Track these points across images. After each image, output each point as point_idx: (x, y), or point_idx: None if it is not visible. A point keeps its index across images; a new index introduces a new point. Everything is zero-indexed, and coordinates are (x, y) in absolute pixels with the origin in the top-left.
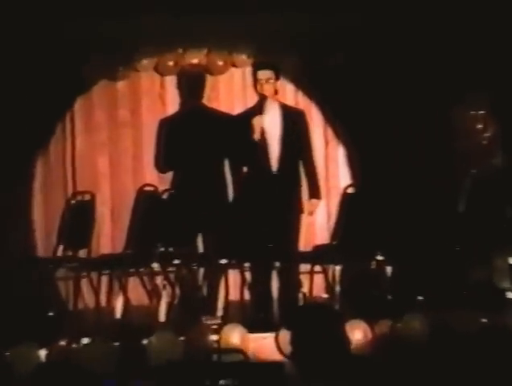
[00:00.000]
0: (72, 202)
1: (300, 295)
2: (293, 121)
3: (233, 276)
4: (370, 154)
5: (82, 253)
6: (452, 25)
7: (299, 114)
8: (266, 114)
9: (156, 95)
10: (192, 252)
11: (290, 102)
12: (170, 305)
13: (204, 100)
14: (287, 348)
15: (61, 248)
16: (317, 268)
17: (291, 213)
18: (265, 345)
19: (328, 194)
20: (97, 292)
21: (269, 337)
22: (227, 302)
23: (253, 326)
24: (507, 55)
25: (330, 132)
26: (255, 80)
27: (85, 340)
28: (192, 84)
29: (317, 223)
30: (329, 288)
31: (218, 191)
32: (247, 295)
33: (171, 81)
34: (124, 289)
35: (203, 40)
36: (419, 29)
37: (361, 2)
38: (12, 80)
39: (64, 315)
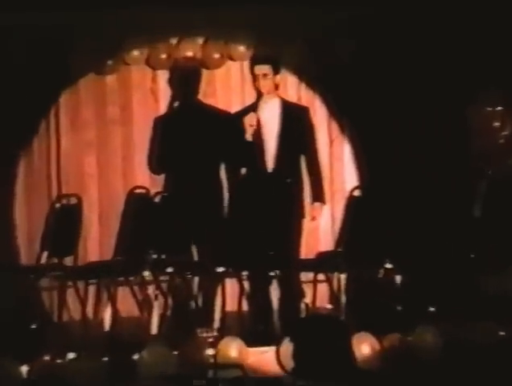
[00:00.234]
0: (57, 205)
1: (303, 306)
2: (295, 118)
3: (231, 285)
4: (379, 154)
5: (68, 261)
6: (466, 19)
7: (301, 111)
8: (263, 112)
9: (148, 90)
10: (186, 259)
11: (292, 96)
12: (162, 317)
13: (200, 97)
14: (289, 363)
15: (45, 255)
16: (321, 276)
17: (292, 217)
18: (265, 359)
19: (332, 196)
20: (83, 303)
21: (269, 351)
22: (224, 314)
23: (253, 340)
24: None
25: (335, 128)
26: (253, 76)
27: (71, 355)
28: (186, 79)
29: (321, 228)
30: (334, 298)
31: (214, 194)
32: (245, 306)
33: (163, 75)
34: (113, 299)
35: (198, 30)
36: (432, 21)
37: None
38: None
39: (47, 328)
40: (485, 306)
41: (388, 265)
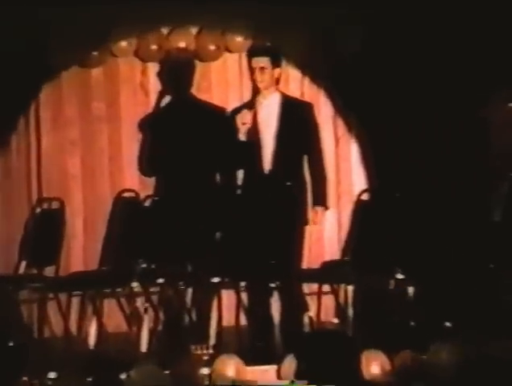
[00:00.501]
0: (38, 210)
1: (306, 320)
2: (297, 116)
3: (227, 297)
4: (389, 154)
5: (49, 271)
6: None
7: (304, 107)
8: (261, 108)
9: (137, 84)
10: (178, 269)
11: (294, 92)
12: (153, 333)
13: (194, 92)
14: None
15: (24, 264)
16: (326, 288)
17: (294, 223)
18: (265, 379)
19: (338, 200)
20: (66, 317)
21: (270, 370)
22: (220, 329)
23: (252, 357)
24: None
25: (341, 126)
26: (250, 69)
27: (52, 375)
28: (178, 72)
29: (326, 234)
30: (340, 312)
31: (209, 198)
32: (244, 320)
33: (154, 68)
34: (98, 313)
35: (192, 19)
36: (448, 14)
37: None
38: None
39: (27, 345)
40: (507, 321)
41: (399, 276)
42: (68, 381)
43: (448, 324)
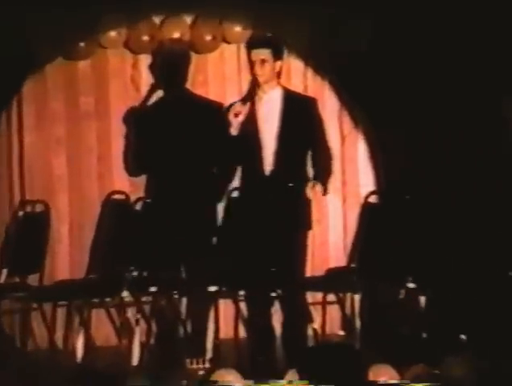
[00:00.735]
0: (20, 213)
1: (310, 332)
2: (299, 111)
3: (225, 307)
4: (399, 153)
5: (32, 280)
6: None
7: (307, 102)
8: (261, 103)
9: (127, 78)
10: (172, 276)
11: (297, 86)
12: (145, 346)
13: (189, 86)
14: None
15: (5, 272)
16: (331, 297)
17: (297, 227)
18: None
19: (344, 203)
20: (51, 329)
21: None
22: (217, 341)
23: (251, 372)
24: None
25: (347, 123)
26: (250, 62)
27: None
28: (172, 65)
29: (331, 239)
30: (347, 323)
31: (205, 200)
32: (243, 332)
33: (145, 61)
34: (86, 324)
35: (187, 7)
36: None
37: None
38: None
39: (8, 358)
40: None
41: (410, 284)
42: None
43: (462, 336)
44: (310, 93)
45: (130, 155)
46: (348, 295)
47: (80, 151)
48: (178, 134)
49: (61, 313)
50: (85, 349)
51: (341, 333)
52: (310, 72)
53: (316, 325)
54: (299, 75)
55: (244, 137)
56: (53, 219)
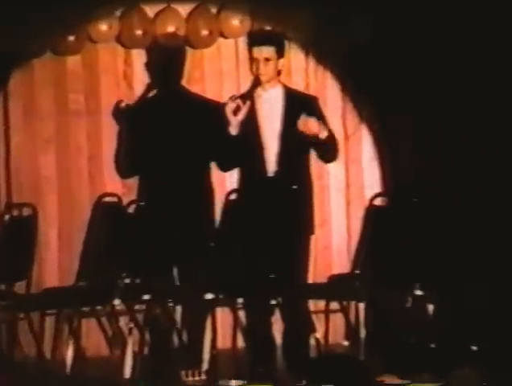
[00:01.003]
0: (6, 217)
1: (312, 342)
2: (301, 110)
3: (223, 316)
4: (406, 153)
5: (19, 287)
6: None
7: (309, 101)
8: (261, 102)
9: (119, 74)
10: (166, 284)
11: (298, 83)
12: (138, 356)
13: (184, 83)
14: None
15: None
16: (334, 305)
17: (299, 232)
18: None
19: (348, 205)
20: (39, 339)
21: None
22: (215, 352)
23: (251, 383)
24: None
25: (351, 122)
26: (251, 60)
27: None
28: (167, 61)
29: (334, 244)
30: (351, 332)
31: (202, 203)
32: (241, 342)
33: (138, 56)
34: (76, 334)
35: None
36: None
37: None
38: None
39: None
40: None
41: (418, 292)
42: None
43: (472, 347)
44: (312, 91)
45: (122, 155)
46: (353, 303)
47: (69, 151)
48: (173, 134)
49: (50, 322)
50: (75, 360)
51: (345, 343)
52: (311, 69)
53: (319, 334)
54: (300, 72)
55: (244, 136)
56: (41, 223)
